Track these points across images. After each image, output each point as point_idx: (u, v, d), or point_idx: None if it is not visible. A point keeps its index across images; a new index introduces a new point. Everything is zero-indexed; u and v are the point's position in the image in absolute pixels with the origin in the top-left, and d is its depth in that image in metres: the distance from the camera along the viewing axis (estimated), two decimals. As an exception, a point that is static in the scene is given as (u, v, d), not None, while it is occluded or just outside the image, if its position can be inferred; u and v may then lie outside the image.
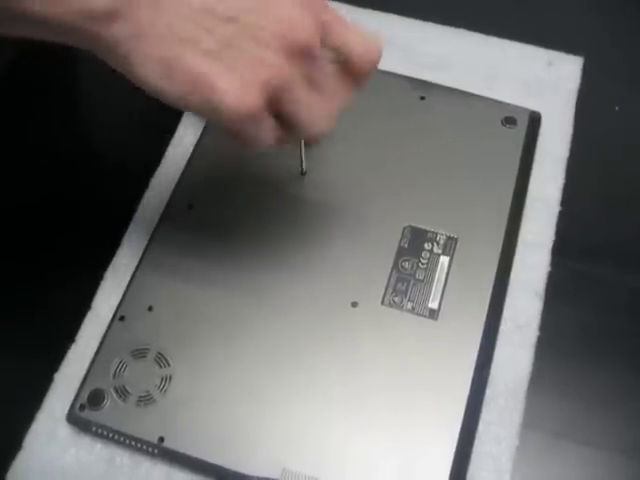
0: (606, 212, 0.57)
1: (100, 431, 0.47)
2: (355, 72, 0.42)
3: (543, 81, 0.61)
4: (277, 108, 0.39)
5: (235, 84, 0.37)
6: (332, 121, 0.42)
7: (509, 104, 0.58)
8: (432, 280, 0.51)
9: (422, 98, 0.59)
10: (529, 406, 0.49)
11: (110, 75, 0.56)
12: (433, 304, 0.50)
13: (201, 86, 0.37)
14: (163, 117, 0.58)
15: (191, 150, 0.57)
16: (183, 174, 0.56)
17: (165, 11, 0.36)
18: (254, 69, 0.37)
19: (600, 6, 0.67)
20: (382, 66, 0.59)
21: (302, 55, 0.38)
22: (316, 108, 0.40)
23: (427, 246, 0.52)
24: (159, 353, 0.49)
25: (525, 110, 0.58)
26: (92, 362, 0.49)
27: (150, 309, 0.50)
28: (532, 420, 0.49)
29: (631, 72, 0.63)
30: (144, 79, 0.37)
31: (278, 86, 0.38)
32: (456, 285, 0.51)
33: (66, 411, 0.48)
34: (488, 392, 0.49)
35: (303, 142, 0.53)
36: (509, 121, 0.57)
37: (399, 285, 0.51)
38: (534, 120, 0.58)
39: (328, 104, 0.41)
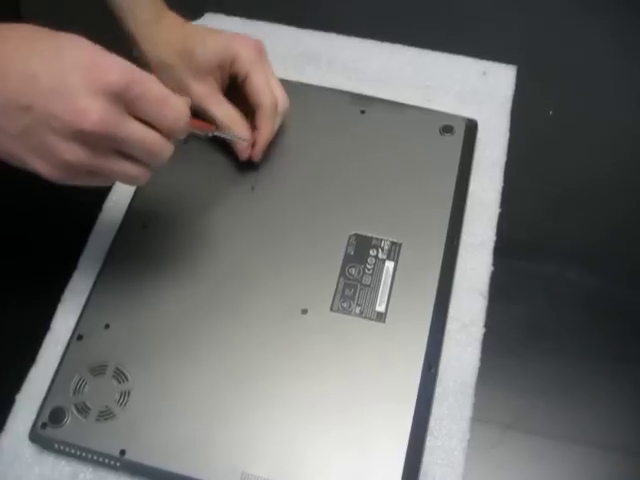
0: (544, 211, 0.59)
1: (63, 448, 0.48)
2: (167, 137, 0.44)
3: (479, 90, 0.64)
4: None
5: (42, 163, 0.41)
6: (148, 176, 0.45)
7: (446, 113, 0.61)
8: (378, 284, 0.53)
9: (362, 112, 0.61)
10: (478, 400, 0.51)
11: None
12: (380, 307, 0.52)
13: (16, 162, 0.42)
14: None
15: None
16: (136, 195, 0.58)
17: None
18: (52, 154, 0.41)
19: (531, 16, 0.70)
20: (324, 83, 0.62)
21: (96, 138, 0.40)
22: (129, 172, 0.43)
23: (372, 252, 0.54)
24: (117, 369, 0.50)
25: (462, 118, 0.61)
26: (52, 381, 0.50)
27: (107, 327, 0.52)
28: (482, 413, 0.51)
29: (563, 78, 0.66)
30: None
31: (78, 167, 0.41)
32: (402, 288, 0.53)
33: (28, 431, 0.49)
34: (438, 389, 0.51)
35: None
36: (446, 130, 0.60)
37: (347, 291, 0.53)
38: (471, 127, 0.61)
39: (142, 165, 0.44)
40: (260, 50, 0.56)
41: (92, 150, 0.41)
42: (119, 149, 0.42)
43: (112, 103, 0.40)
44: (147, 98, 0.41)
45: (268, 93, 0.55)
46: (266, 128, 0.56)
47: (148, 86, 0.41)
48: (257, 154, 0.57)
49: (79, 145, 0.40)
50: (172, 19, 0.57)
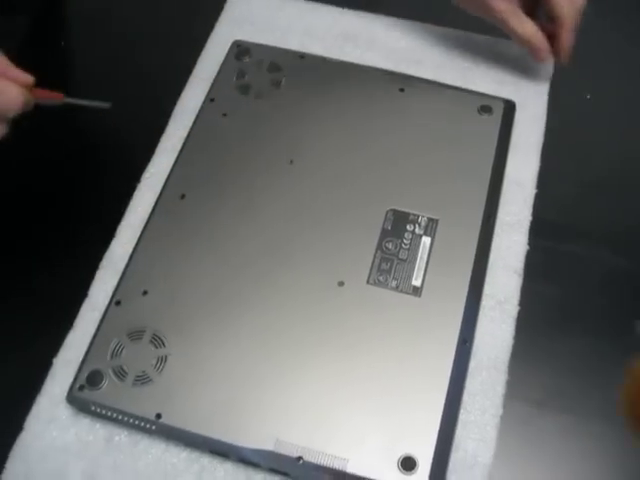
0: (579, 193, 0.59)
1: (99, 410, 0.49)
2: None
3: (517, 72, 0.64)
4: None
5: None
6: None
7: (485, 94, 0.61)
8: (415, 259, 0.53)
9: (401, 90, 0.61)
10: (512, 377, 0.51)
11: (100, 69, 0.59)
12: (416, 282, 0.52)
13: None
14: (154, 111, 0.61)
15: (182, 142, 0.60)
16: (174, 166, 0.58)
17: None
18: None
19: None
20: (362, 62, 0.62)
21: None
22: None
23: (409, 227, 0.55)
24: (154, 335, 0.51)
25: (500, 99, 0.61)
26: (90, 344, 0.51)
27: (145, 293, 0.52)
28: (514, 390, 0.51)
29: (601, 62, 0.66)
30: None
31: None
32: (438, 264, 0.53)
33: (65, 393, 0.50)
34: (472, 365, 0.51)
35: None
36: (485, 110, 0.60)
37: (383, 265, 0.53)
38: (509, 108, 0.61)
39: None
40: None
41: None
42: None
43: None
44: None
45: (567, 4, 0.59)
46: (567, 41, 0.60)
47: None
48: (565, 58, 0.60)
49: None
50: None
